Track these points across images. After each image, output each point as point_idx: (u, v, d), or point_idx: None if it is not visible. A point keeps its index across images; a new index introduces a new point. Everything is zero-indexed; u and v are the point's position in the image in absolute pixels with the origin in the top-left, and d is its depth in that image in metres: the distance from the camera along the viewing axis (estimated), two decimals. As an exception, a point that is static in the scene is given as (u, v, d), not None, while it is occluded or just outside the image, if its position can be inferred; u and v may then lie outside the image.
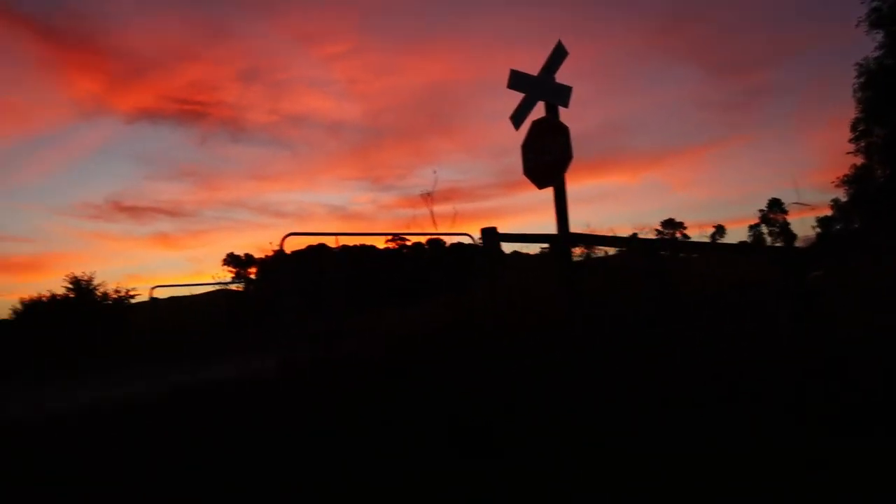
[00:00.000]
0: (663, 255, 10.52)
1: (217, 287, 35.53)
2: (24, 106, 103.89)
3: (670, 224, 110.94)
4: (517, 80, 9.38)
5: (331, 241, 32.12)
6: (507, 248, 12.70)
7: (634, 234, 13.94)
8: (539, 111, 9.06)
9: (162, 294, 24.67)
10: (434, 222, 9.96)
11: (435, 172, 13.50)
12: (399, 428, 6.47)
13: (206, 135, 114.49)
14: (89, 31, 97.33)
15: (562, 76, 8.89)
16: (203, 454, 6.39)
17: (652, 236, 23.34)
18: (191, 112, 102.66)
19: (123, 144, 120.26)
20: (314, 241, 35.81)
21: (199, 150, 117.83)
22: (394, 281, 26.27)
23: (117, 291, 31.01)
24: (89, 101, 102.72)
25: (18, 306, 29.31)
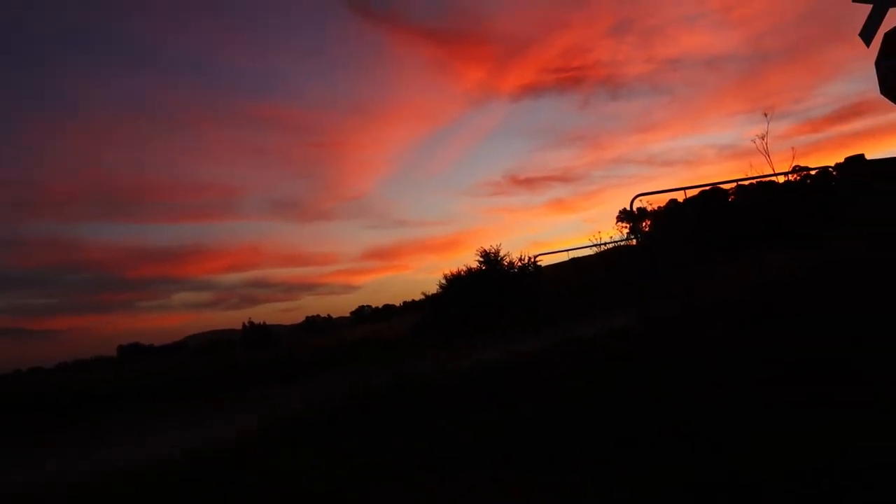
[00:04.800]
0: None
1: (611, 245, 36.98)
2: (426, 105, 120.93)
3: None
4: (863, -9, 8.48)
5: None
6: None
7: None
8: (892, 20, 8.11)
9: (557, 258, 27.00)
10: (771, 166, 9.64)
11: (767, 116, 13.01)
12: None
13: (587, 97, 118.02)
14: (468, 26, 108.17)
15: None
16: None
17: None
18: (569, 78, 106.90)
19: (512, 122, 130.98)
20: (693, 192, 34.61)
21: (581, 113, 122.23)
22: (751, 225, 24.30)
23: (520, 259, 34.91)
24: (477, 90, 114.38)
25: (443, 281, 34.97)
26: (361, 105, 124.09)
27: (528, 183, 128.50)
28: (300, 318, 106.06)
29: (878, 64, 8.41)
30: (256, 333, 67.20)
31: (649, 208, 42.58)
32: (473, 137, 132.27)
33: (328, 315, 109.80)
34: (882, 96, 8.34)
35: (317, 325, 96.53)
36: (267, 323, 71.31)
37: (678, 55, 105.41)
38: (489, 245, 36.64)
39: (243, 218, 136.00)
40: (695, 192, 29.40)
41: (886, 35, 8.26)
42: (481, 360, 14.03)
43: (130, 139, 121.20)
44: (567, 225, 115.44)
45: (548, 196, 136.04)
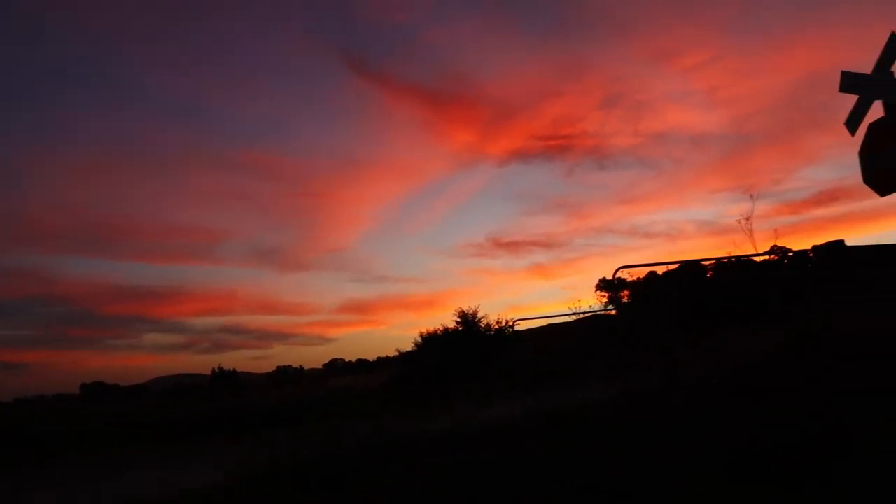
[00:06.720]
0: None
1: (589, 314, 36.93)
2: (414, 163, 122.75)
3: None
4: (849, 82, 8.69)
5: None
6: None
7: None
8: (876, 112, 8.30)
9: (534, 324, 26.94)
10: (754, 246, 9.71)
11: (752, 197, 13.32)
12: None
13: (573, 166, 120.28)
14: (461, 89, 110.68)
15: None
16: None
17: None
18: (557, 146, 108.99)
19: (498, 185, 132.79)
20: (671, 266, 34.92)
21: (567, 181, 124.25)
22: (729, 302, 24.44)
23: (498, 322, 34.82)
24: (466, 151, 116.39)
25: (419, 339, 34.74)
26: (350, 159, 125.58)
27: (511, 246, 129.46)
28: (271, 367, 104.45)
29: (861, 153, 8.57)
30: (225, 380, 65.79)
31: (629, 279, 42.73)
32: (459, 198, 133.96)
33: (300, 366, 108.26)
34: (864, 184, 8.46)
35: (288, 375, 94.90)
36: (237, 370, 69.92)
37: (664, 131, 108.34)
38: (468, 306, 36.68)
39: (223, 263, 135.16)
40: (675, 265, 29.65)
41: (871, 125, 8.43)
42: (454, 421, 13.76)
43: (115, 177, 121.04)
44: (546, 291, 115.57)
45: (529, 261, 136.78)
